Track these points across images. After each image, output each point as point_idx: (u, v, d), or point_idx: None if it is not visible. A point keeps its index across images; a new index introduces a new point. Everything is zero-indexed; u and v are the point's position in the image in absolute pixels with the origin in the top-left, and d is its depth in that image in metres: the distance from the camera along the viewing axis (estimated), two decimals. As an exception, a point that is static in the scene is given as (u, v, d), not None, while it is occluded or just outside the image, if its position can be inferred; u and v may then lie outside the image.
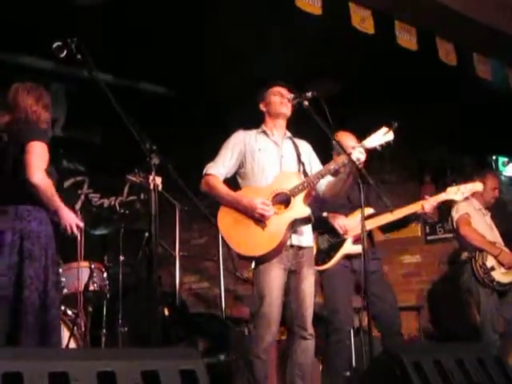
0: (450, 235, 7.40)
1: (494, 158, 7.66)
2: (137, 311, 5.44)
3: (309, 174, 4.14)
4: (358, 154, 3.92)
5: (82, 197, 6.83)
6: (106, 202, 5.90)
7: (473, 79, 5.87)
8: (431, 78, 5.90)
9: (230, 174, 4.15)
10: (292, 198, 3.96)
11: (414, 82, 6.04)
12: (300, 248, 4.04)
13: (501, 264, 5.61)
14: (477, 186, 4.81)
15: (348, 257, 4.77)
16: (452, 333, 7.01)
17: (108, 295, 5.28)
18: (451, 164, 7.52)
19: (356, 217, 4.73)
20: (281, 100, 4.12)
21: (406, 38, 5.27)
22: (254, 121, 4.24)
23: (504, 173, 6.59)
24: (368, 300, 3.82)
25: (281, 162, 4.12)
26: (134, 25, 5.40)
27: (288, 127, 4.26)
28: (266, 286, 3.90)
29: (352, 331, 5.04)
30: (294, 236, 4.01)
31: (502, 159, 6.16)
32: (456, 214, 5.78)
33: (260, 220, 3.91)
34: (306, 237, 4.09)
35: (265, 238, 3.91)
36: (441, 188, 7.36)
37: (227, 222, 3.97)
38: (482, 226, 5.77)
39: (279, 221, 3.92)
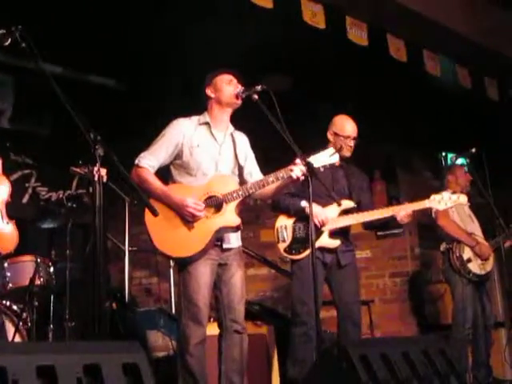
0: (400, 230, 7.50)
1: (443, 154, 7.76)
2: (84, 306, 5.37)
3: (244, 173, 4.14)
4: (298, 172, 3.88)
5: (30, 190, 6.70)
6: (53, 196, 5.80)
7: (422, 76, 5.93)
8: (381, 74, 5.94)
9: (163, 164, 4.04)
10: (224, 204, 3.91)
11: (364, 78, 6.07)
12: (229, 249, 4.02)
13: (477, 255, 5.76)
14: (461, 198, 4.70)
15: (321, 249, 4.67)
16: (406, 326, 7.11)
17: (55, 290, 5.21)
18: (400, 161, 7.61)
19: (334, 209, 4.70)
20: (235, 90, 4.04)
21: (357, 34, 5.29)
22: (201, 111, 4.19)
23: (452, 169, 6.68)
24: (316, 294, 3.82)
25: (217, 161, 4.05)
26: (84, 15, 5.31)
27: (231, 119, 4.19)
28: (192, 284, 3.85)
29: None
30: (224, 239, 3.98)
31: (450, 155, 6.24)
32: None
33: (188, 220, 3.85)
34: (234, 238, 4.06)
35: (189, 241, 3.85)
36: (391, 185, 7.52)
37: (154, 217, 3.60)
38: (460, 217, 5.91)
39: (207, 225, 3.87)
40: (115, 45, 5.70)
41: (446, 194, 4.69)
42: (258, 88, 3.90)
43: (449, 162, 7.15)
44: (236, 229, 3.97)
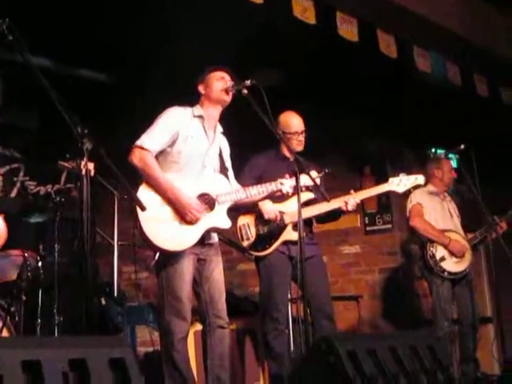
0: (389, 226, 7.53)
1: (432, 150, 7.77)
2: (73, 301, 5.35)
3: (229, 176, 4.17)
4: (288, 188, 4.15)
5: (18, 184, 6.66)
6: (42, 190, 5.76)
7: (413, 72, 5.93)
8: (372, 70, 5.94)
9: (159, 151, 3.96)
10: (217, 204, 3.93)
11: (355, 74, 6.06)
12: (210, 244, 4.03)
13: (452, 253, 5.69)
14: (419, 179, 4.79)
15: (286, 243, 4.74)
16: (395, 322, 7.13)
17: (43, 284, 5.18)
18: (390, 156, 7.61)
19: (294, 202, 4.68)
20: (224, 86, 4.05)
21: (347, 29, 5.28)
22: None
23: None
24: (303, 289, 3.85)
25: (204, 157, 4.03)
26: (72, 8, 5.27)
27: (221, 118, 4.19)
28: (176, 279, 3.81)
29: (290, 319, 5.08)
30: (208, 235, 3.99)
31: (439, 151, 6.25)
32: (409, 204, 5.89)
33: (183, 217, 3.82)
34: (213, 234, 4.08)
35: (181, 235, 3.81)
36: (381, 180, 7.52)
37: (146, 205, 3.44)
38: (436, 213, 5.86)
39: (200, 222, 3.85)
40: (103, 38, 5.67)
41: (403, 177, 4.76)
42: (248, 82, 3.91)
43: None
44: (223, 231, 4.01)
